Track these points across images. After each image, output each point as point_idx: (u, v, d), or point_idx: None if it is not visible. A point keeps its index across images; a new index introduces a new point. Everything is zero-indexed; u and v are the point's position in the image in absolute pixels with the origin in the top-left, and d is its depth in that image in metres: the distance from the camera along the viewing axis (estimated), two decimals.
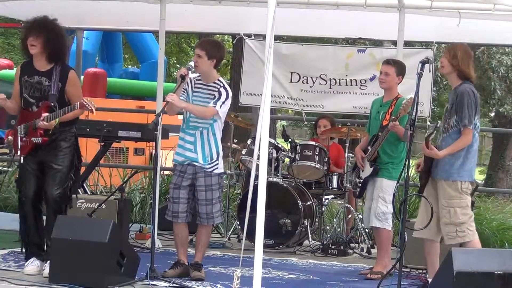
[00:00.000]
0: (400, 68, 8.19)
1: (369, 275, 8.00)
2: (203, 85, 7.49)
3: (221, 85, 7.45)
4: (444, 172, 7.09)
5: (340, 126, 10.25)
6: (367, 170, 8.18)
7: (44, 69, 7.37)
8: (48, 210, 7.28)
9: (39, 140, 7.30)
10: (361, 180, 8.24)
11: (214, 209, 7.45)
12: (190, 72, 7.40)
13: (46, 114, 7.23)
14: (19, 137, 7.41)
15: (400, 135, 7.81)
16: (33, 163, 7.39)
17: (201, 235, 7.56)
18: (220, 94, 7.37)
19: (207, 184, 7.42)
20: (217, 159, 7.47)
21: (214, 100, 7.35)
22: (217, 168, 7.46)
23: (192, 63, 7.38)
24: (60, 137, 7.37)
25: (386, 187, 7.98)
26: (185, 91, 7.49)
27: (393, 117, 7.88)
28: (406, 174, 6.99)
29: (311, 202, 9.71)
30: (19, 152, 7.43)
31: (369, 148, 8.18)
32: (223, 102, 7.36)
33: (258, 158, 6.43)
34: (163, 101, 7.55)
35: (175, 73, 29.04)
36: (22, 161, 7.40)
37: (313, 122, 10.95)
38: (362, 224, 9.55)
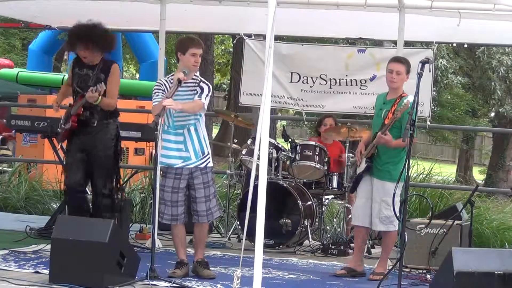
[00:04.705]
0: (408, 66, 8.05)
1: (372, 276, 7.98)
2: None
3: (199, 79, 7.51)
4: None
5: (340, 125, 10.24)
6: (362, 166, 8.17)
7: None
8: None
9: (69, 125, 8.14)
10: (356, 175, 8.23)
11: (211, 204, 7.51)
12: (185, 76, 7.44)
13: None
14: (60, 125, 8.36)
15: (390, 145, 7.82)
16: (76, 151, 8.20)
17: (200, 233, 7.57)
18: (202, 89, 7.43)
19: (204, 181, 7.46)
20: (208, 152, 7.53)
21: (199, 94, 7.41)
22: (209, 161, 7.54)
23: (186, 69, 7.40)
24: (103, 128, 8.16)
25: (388, 190, 7.86)
26: (164, 92, 7.48)
27: (385, 124, 7.84)
28: (406, 174, 6.97)
29: (311, 202, 9.71)
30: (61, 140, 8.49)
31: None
32: (207, 95, 7.44)
33: (258, 158, 6.44)
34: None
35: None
36: (64, 147, 8.44)
37: (314, 122, 10.91)
38: None
